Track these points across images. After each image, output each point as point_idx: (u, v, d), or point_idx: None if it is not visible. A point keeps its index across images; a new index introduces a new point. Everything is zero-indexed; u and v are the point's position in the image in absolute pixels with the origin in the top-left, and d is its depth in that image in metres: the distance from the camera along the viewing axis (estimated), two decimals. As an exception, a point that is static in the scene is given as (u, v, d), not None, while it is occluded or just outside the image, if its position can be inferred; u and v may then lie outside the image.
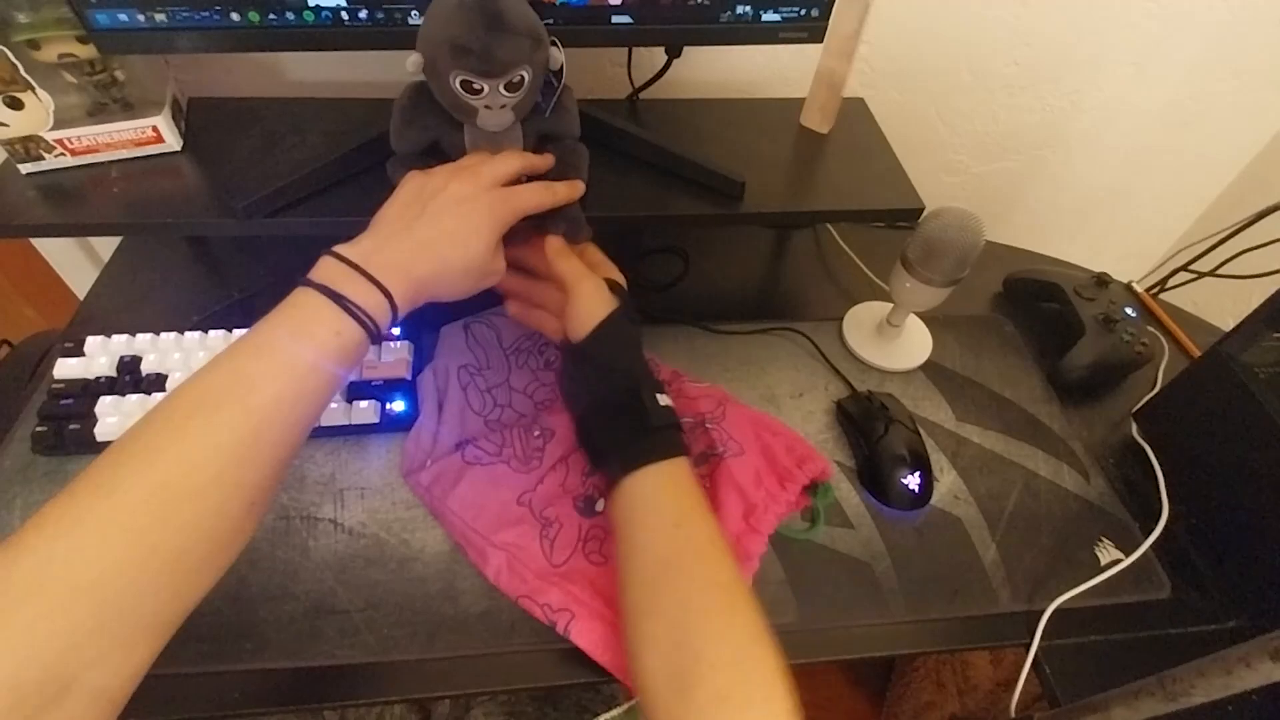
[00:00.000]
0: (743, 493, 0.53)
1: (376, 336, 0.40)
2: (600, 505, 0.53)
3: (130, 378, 0.57)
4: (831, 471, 0.58)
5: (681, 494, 0.45)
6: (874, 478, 0.57)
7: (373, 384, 0.58)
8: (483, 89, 0.48)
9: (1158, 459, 0.60)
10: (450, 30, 0.46)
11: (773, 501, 0.53)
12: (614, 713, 0.54)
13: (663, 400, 0.48)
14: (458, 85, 0.48)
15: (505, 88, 0.48)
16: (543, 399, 0.60)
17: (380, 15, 0.52)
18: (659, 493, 0.45)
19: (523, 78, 0.48)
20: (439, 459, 0.55)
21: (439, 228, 0.43)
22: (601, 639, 0.47)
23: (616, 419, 0.48)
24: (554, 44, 0.51)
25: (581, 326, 0.49)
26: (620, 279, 0.54)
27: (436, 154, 0.57)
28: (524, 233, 0.50)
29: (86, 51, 0.55)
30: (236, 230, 0.58)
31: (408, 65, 0.49)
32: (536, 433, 0.57)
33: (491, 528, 0.51)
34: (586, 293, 0.49)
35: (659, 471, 0.45)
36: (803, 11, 0.56)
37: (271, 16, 0.51)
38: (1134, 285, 0.79)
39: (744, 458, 0.55)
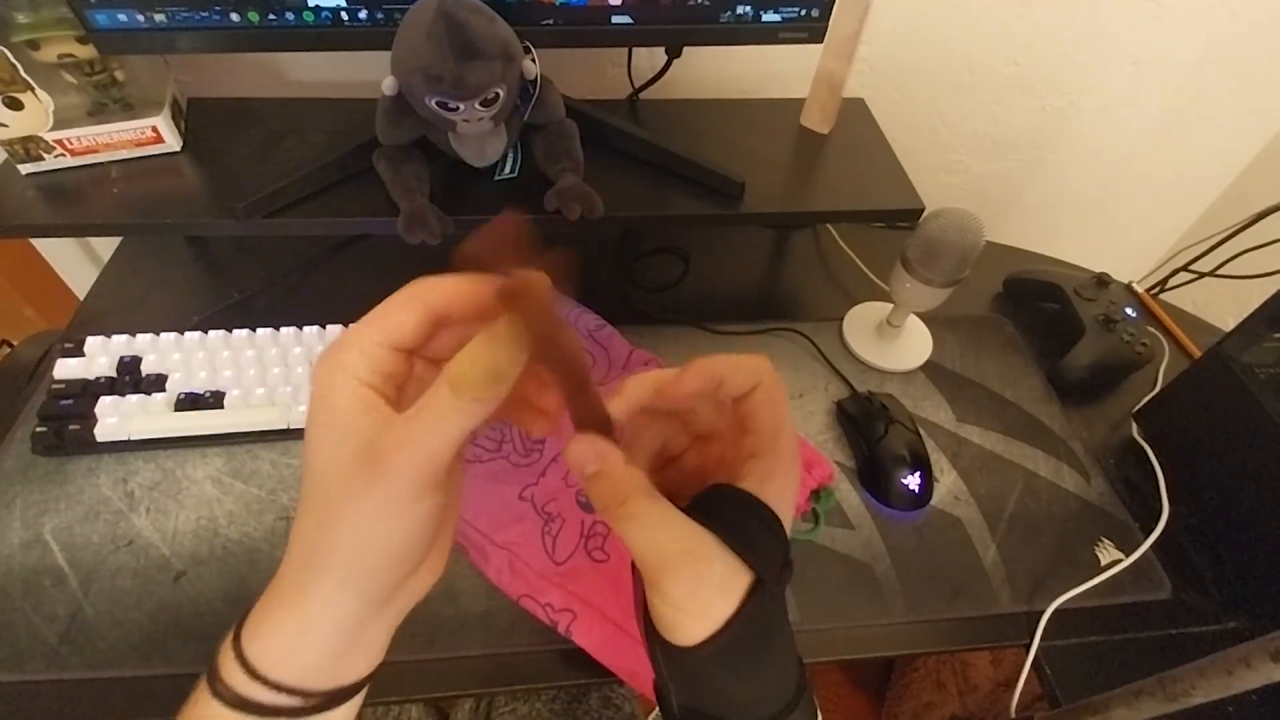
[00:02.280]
0: None
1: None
2: None
3: (130, 378, 0.57)
4: (835, 476, 0.58)
5: None
6: (874, 478, 0.57)
7: (373, 384, 0.58)
8: (459, 108, 0.48)
9: (1158, 459, 0.60)
10: (421, 59, 0.46)
11: None
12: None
13: None
14: (434, 105, 0.48)
15: (481, 104, 0.48)
16: None
17: (380, 15, 0.52)
18: None
19: (498, 94, 0.48)
20: None
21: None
22: (602, 639, 0.47)
23: None
24: (528, 51, 0.51)
25: (680, 627, 0.26)
26: (788, 484, 0.28)
27: (424, 146, 0.57)
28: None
29: (86, 51, 0.55)
30: (236, 230, 0.58)
31: (384, 87, 0.49)
32: None
33: (493, 526, 0.51)
34: (686, 583, 0.25)
35: None
36: (803, 11, 0.56)
37: (271, 16, 0.51)
38: (1134, 285, 0.79)
39: None
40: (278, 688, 0.26)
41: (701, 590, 0.26)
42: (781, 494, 0.28)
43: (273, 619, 0.26)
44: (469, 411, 0.23)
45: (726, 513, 0.27)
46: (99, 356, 0.58)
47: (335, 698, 0.27)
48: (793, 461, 0.29)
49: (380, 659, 0.28)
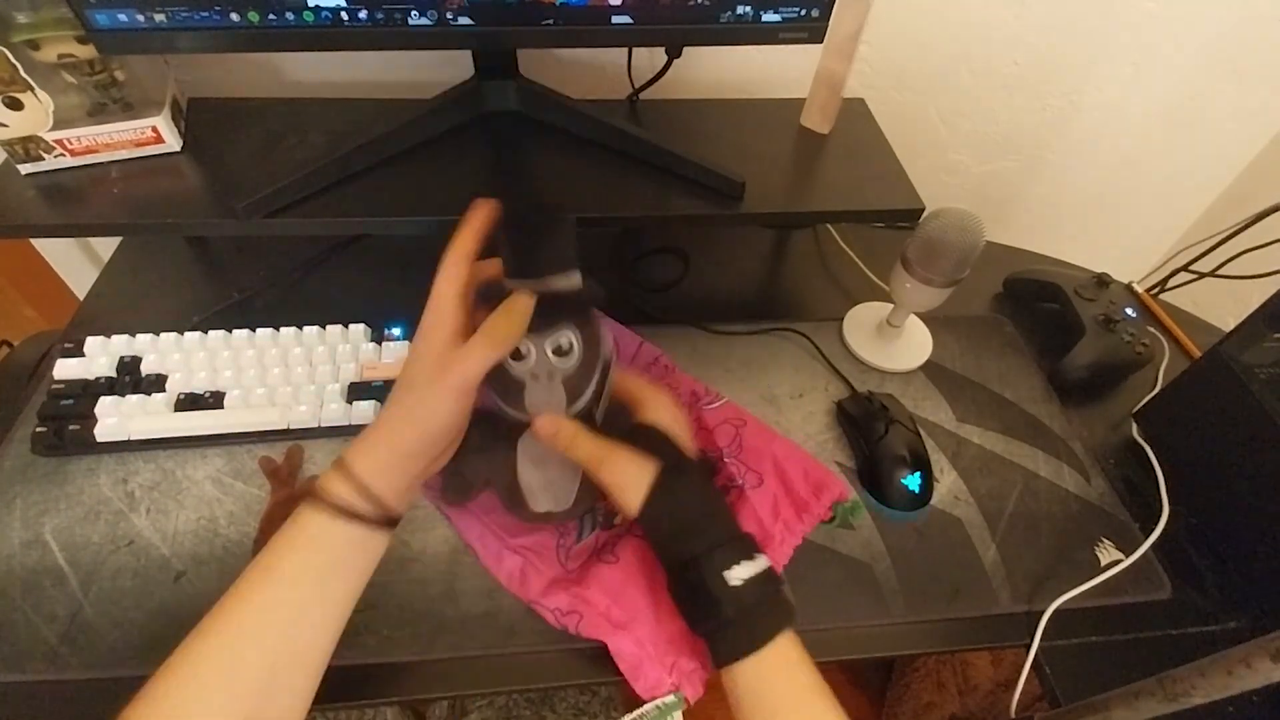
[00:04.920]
0: (761, 525, 0.53)
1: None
2: (619, 519, 0.53)
3: (130, 378, 0.57)
4: (849, 492, 0.57)
5: (788, 689, 0.41)
6: (874, 478, 0.57)
7: (373, 384, 0.58)
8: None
9: (1158, 459, 0.60)
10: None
11: (788, 533, 0.53)
12: (646, 708, 0.52)
13: (739, 573, 0.42)
14: None
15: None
16: None
17: (380, 15, 0.52)
18: (759, 695, 0.41)
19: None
20: None
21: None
22: (605, 635, 0.47)
23: (689, 601, 0.44)
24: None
25: (627, 506, 0.44)
26: (667, 413, 0.48)
27: None
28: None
29: (86, 51, 0.55)
30: (236, 230, 0.58)
31: None
32: None
33: (511, 530, 0.52)
34: (615, 473, 0.44)
35: (757, 666, 0.41)
36: (803, 11, 0.56)
37: (271, 16, 0.51)
38: (1134, 285, 0.79)
39: (762, 489, 0.55)
40: (375, 500, 0.39)
41: (623, 474, 0.44)
42: (669, 423, 0.47)
43: (380, 449, 0.40)
44: (494, 355, 0.40)
45: (634, 438, 0.45)
46: (99, 356, 0.58)
47: (394, 520, 0.41)
48: (666, 405, 0.48)
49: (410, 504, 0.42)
